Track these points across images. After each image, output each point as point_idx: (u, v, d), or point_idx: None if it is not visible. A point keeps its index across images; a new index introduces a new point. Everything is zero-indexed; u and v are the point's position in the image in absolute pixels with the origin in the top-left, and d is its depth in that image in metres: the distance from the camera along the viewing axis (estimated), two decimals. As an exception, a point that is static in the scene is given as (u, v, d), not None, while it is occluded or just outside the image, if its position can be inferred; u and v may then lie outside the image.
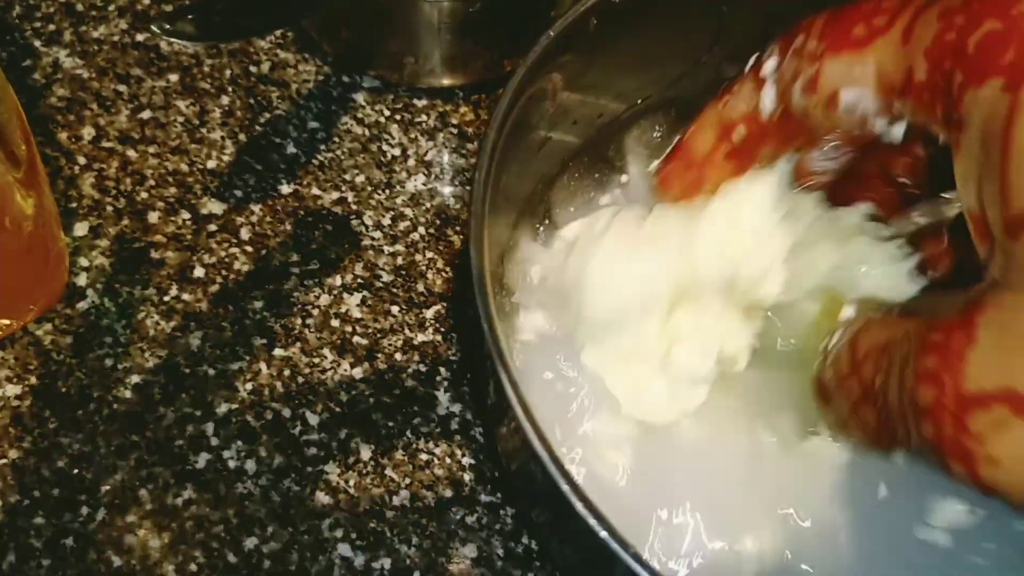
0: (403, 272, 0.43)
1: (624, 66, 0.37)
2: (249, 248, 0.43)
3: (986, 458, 0.21)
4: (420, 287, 0.43)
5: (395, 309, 0.43)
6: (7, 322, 0.40)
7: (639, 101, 0.40)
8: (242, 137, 0.46)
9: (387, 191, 0.45)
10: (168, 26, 0.32)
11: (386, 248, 0.44)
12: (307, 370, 0.41)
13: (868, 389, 0.26)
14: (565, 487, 0.27)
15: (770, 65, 0.30)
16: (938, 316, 0.23)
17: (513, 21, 0.45)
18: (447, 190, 0.46)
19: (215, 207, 0.44)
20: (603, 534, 0.27)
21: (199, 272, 0.43)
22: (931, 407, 0.23)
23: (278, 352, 0.41)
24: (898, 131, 0.28)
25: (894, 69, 0.26)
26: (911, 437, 0.24)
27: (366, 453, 0.40)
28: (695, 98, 0.40)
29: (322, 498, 0.39)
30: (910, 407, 0.23)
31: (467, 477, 0.40)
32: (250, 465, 0.39)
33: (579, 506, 0.27)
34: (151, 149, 0.45)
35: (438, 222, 0.45)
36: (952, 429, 0.22)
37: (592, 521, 0.27)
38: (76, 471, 0.38)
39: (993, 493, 0.22)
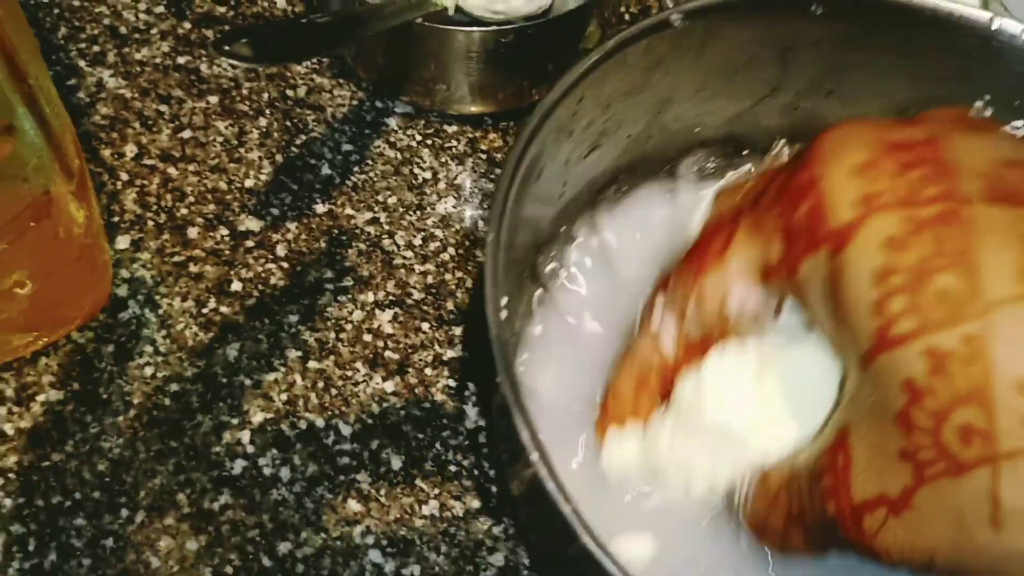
0: (433, 291, 0.45)
1: (683, 94, 0.39)
2: (285, 264, 0.45)
3: (883, 551, 0.26)
4: (450, 305, 0.45)
5: (425, 326, 0.44)
6: (30, 338, 0.41)
7: (695, 131, 0.41)
8: (279, 158, 0.48)
9: (418, 212, 0.47)
10: (227, 48, 0.33)
11: (417, 267, 0.45)
12: (340, 382, 0.42)
13: (789, 516, 0.30)
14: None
15: (656, 317, 0.33)
16: (822, 444, 0.28)
17: (543, 52, 0.47)
18: (476, 213, 0.47)
19: (252, 224, 0.46)
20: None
21: (236, 286, 0.44)
22: (836, 517, 0.27)
23: (312, 364, 0.43)
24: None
25: (755, 257, 0.30)
26: (833, 541, 0.28)
27: (397, 463, 0.41)
28: (752, 138, 0.42)
29: (354, 506, 0.40)
30: (823, 519, 0.28)
31: (494, 488, 0.41)
32: (284, 472, 0.40)
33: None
34: (191, 167, 0.47)
35: (467, 243, 0.46)
36: (855, 531, 0.26)
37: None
38: (116, 475, 0.40)
39: (899, 567, 0.26)
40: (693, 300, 0.32)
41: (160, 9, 0.52)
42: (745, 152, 0.42)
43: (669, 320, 0.33)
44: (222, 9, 0.52)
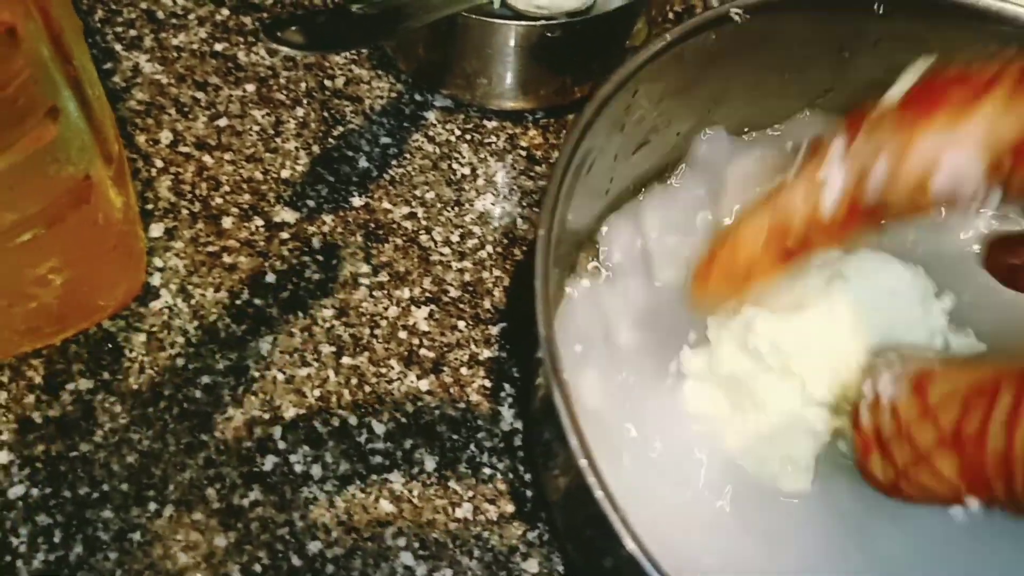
0: (470, 288, 0.44)
1: (734, 92, 0.38)
2: (320, 257, 0.44)
3: None
4: (487, 304, 0.44)
5: (461, 324, 0.43)
6: (61, 325, 0.40)
7: (744, 131, 0.40)
8: (316, 149, 0.47)
9: (456, 208, 0.46)
10: (278, 34, 0.32)
11: (454, 264, 0.45)
12: (374, 379, 0.42)
13: (949, 437, 0.24)
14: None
15: (837, 149, 0.26)
16: None
17: (588, 49, 0.46)
18: (514, 210, 0.46)
19: (288, 215, 0.45)
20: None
21: (271, 278, 0.43)
22: None
23: (346, 360, 0.42)
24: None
25: (1004, 130, 0.23)
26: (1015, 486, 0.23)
27: (430, 464, 0.40)
28: (802, 141, 0.41)
29: (386, 506, 0.39)
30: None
31: (529, 493, 0.40)
32: (316, 470, 0.39)
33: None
34: (227, 156, 0.46)
35: (505, 241, 0.45)
36: None
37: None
38: (145, 467, 0.39)
39: None
40: (894, 153, 0.25)
41: (198, -6, 0.51)
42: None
43: (844, 170, 0.26)
44: (260, -4, 0.51)
